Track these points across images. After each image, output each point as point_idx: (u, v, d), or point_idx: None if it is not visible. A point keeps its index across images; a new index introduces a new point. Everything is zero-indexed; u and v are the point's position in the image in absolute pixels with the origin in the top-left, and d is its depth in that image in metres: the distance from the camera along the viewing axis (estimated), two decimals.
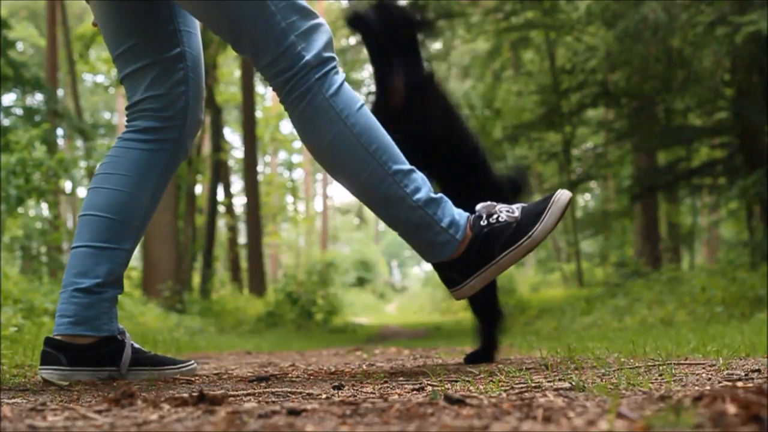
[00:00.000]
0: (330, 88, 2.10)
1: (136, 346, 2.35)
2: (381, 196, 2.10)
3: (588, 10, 12.69)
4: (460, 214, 2.14)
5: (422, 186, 2.11)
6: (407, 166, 2.11)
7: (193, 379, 2.27)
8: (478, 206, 2.16)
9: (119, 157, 2.30)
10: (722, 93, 11.36)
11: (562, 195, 2.11)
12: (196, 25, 2.38)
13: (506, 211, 2.13)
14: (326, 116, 2.09)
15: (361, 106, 2.12)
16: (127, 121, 2.33)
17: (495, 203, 2.16)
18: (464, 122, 2.49)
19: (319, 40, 2.11)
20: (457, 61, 18.83)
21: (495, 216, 2.13)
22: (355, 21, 2.41)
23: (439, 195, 2.13)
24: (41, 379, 2.17)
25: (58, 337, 2.18)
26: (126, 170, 2.28)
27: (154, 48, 2.27)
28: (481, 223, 2.13)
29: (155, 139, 2.31)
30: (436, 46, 19.16)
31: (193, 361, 2.41)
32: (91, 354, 2.19)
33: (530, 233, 2.09)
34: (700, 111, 13.00)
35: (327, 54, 2.12)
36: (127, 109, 2.34)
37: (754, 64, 10.08)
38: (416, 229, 2.12)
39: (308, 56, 2.08)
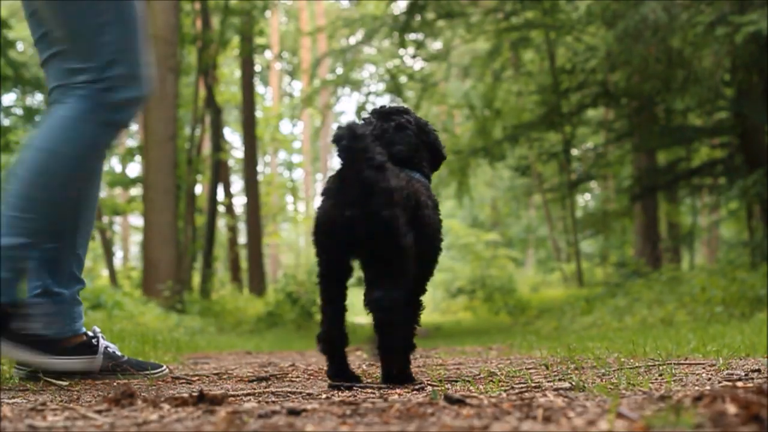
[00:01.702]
0: (102, 136, 2.20)
1: None
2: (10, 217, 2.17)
3: (588, 10, 12.68)
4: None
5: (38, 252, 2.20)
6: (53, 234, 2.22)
7: (193, 378, 2.27)
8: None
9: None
10: (722, 93, 11.35)
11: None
12: None
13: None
14: (72, 138, 2.17)
15: (97, 174, 2.28)
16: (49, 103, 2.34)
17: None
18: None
19: (138, 91, 2.21)
20: (457, 61, 18.80)
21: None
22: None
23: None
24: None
25: None
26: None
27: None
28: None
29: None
30: (436, 45, 19.17)
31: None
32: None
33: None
34: (700, 111, 12.98)
35: (132, 108, 2.22)
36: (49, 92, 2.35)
37: (754, 64, 10.07)
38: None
39: (120, 96, 2.18)
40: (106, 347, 2.33)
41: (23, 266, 2.18)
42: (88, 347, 2.30)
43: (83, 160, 2.18)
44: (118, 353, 2.36)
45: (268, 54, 30.67)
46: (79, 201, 2.27)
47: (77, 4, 2.14)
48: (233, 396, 1.63)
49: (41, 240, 2.19)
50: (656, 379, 1.73)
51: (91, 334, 2.34)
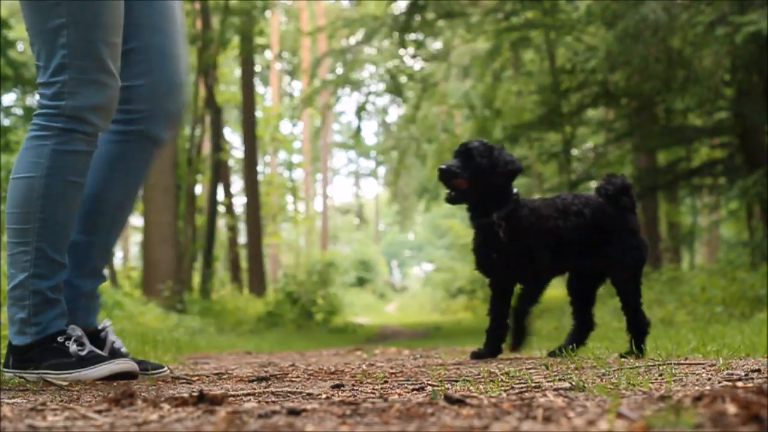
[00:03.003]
0: (61, 145, 2.16)
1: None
2: (10, 256, 2.18)
3: (588, 10, 12.67)
4: (55, 325, 2.20)
5: (50, 279, 2.18)
6: (57, 257, 2.20)
7: (193, 378, 2.27)
8: (74, 328, 2.23)
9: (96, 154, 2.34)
10: (722, 93, 11.35)
11: (116, 365, 2.18)
12: (168, 18, 2.37)
13: (77, 346, 2.20)
14: (34, 161, 2.16)
15: (74, 183, 2.20)
16: None
17: (81, 335, 2.23)
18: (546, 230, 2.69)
19: (91, 97, 2.14)
20: (457, 61, 18.79)
21: (72, 340, 2.20)
22: (448, 175, 2.66)
23: (56, 297, 2.21)
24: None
25: None
26: (93, 163, 2.30)
27: None
28: (59, 338, 2.19)
29: (118, 131, 2.33)
30: (436, 45, 19.16)
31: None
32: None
33: (71, 372, 2.14)
34: (700, 111, 12.98)
35: (87, 115, 2.15)
36: None
37: (754, 64, 10.07)
38: (14, 302, 2.19)
39: (67, 103, 2.13)
40: (112, 343, 2.33)
41: (37, 300, 2.18)
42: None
43: (54, 178, 2.16)
44: (123, 350, 2.36)
45: (268, 54, 30.68)
46: (68, 214, 2.23)
47: (33, 5, 2.12)
48: (233, 396, 1.63)
49: (45, 268, 2.19)
50: (656, 379, 1.73)
51: (100, 327, 2.34)
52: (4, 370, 2.21)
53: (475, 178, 2.60)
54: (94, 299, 2.35)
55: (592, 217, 2.66)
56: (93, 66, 2.12)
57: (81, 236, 2.30)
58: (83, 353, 2.18)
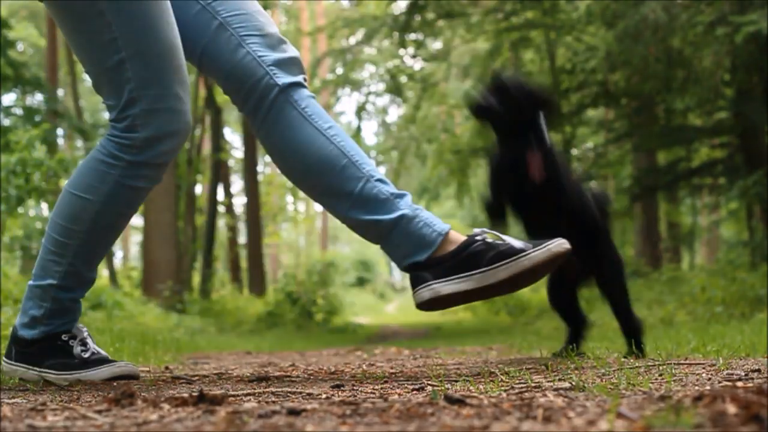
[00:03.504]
0: (126, 179, 2.12)
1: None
2: (42, 258, 2.17)
3: (588, 10, 12.68)
4: (64, 326, 2.19)
5: (74, 292, 2.19)
6: (88, 274, 2.21)
7: (193, 378, 2.27)
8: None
9: (266, 143, 2.27)
10: (722, 93, 11.35)
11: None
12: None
13: (81, 346, 2.18)
14: (96, 185, 2.12)
15: (126, 215, 2.18)
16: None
17: (86, 335, 2.21)
18: (582, 189, 2.50)
19: (164, 126, 2.08)
20: (457, 61, 18.80)
21: (77, 340, 2.19)
22: (481, 111, 2.37)
23: (73, 306, 2.20)
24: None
25: None
26: (281, 142, 2.22)
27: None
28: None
29: (266, 110, 2.21)
30: (436, 45, 19.16)
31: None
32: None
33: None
34: (700, 111, 12.98)
35: (158, 144, 2.09)
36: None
37: (754, 64, 10.07)
38: (32, 296, 2.17)
39: (140, 134, 2.07)
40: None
41: (55, 307, 2.18)
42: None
43: (109, 207, 2.14)
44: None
45: None
46: (110, 240, 2.23)
47: (88, 45, 2.06)
48: (233, 396, 1.63)
49: (73, 282, 2.19)
50: (656, 379, 1.73)
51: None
52: (5, 361, 2.22)
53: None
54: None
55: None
56: (162, 94, 2.06)
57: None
58: (86, 355, 2.18)
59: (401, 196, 2.13)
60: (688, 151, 14.87)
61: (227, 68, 2.19)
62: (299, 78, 2.20)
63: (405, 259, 2.11)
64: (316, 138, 2.16)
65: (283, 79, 2.17)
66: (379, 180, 2.14)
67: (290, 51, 2.23)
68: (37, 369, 2.16)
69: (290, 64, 2.21)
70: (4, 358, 2.24)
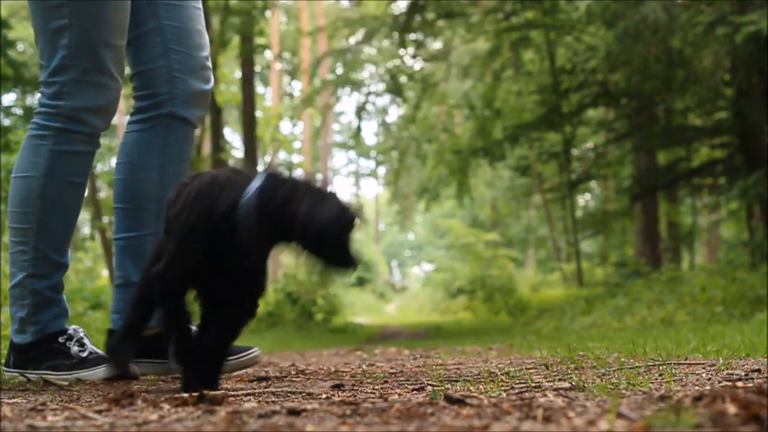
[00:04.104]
0: (58, 145, 2.15)
1: None
2: (11, 254, 2.20)
3: (588, 10, 12.68)
4: (55, 324, 2.21)
5: (49, 279, 2.20)
6: (56, 257, 2.20)
7: None
8: (76, 329, 2.22)
9: (124, 144, 2.33)
10: (722, 93, 11.35)
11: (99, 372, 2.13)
12: None
13: (78, 346, 2.19)
14: (33, 160, 2.16)
15: (73, 184, 2.19)
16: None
17: (83, 335, 2.23)
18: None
19: (90, 99, 2.13)
20: (457, 61, 18.79)
21: (74, 341, 2.20)
22: None
23: (54, 297, 2.21)
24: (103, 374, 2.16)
25: None
26: (126, 156, 2.31)
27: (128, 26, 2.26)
28: (60, 339, 2.19)
29: (145, 118, 2.31)
30: (436, 45, 19.16)
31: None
32: (154, 345, 2.19)
33: (72, 372, 2.12)
34: (700, 111, 12.98)
35: (85, 116, 2.14)
36: None
37: (754, 64, 10.06)
38: (14, 300, 2.19)
39: (66, 103, 2.12)
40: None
41: (36, 300, 2.18)
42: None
43: (52, 178, 2.16)
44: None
45: (268, 54, 30.66)
46: (67, 216, 2.23)
47: (38, 5, 2.12)
48: (233, 396, 1.63)
49: (44, 268, 2.19)
50: (656, 379, 1.73)
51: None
52: (5, 369, 2.22)
53: None
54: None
55: None
56: (93, 68, 2.12)
57: (131, 233, 2.29)
58: (84, 354, 2.18)
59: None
60: (688, 151, 14.87)
61: (142, 68, 2.28)
62: (192, 117, 2.32)
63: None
64: (151, 171, 2.27)
65: (179, 110, 2.29)
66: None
67: (205, 82, 2.37)
68: (36, 371, 2.16)
69: (197, 98, 2.34)
70: (3, 367, 2.24)
